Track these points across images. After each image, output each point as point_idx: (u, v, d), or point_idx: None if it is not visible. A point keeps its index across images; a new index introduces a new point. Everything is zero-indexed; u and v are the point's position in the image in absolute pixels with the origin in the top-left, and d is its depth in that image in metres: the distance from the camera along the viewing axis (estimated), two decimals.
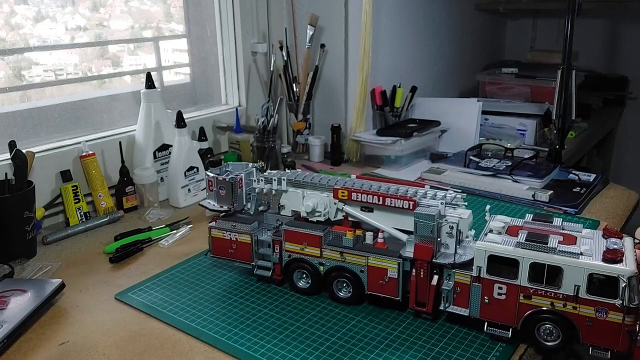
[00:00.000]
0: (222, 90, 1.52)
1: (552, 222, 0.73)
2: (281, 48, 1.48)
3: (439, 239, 0.72)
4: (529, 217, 0.76)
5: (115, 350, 0.70)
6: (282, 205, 0.85)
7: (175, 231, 1.04)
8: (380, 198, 0.76)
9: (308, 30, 1.47)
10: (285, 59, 1.48)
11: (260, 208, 0.87)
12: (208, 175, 0.86)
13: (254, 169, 0.88)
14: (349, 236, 0.77)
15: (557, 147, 1.42)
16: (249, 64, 1.50)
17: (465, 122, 1.55)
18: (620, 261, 0.62)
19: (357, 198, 0.78)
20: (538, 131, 1.65)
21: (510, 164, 1.32)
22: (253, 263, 0.84)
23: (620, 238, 0.67)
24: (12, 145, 0.98)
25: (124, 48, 1.34)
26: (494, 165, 1.33)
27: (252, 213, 0.86)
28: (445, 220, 0.72)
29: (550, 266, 0.64)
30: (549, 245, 0.65)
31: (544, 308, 0.66)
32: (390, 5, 1.59)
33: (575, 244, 0.67)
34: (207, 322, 0.75)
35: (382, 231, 0.77)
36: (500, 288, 0.68)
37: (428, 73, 1.88)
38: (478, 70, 2.09)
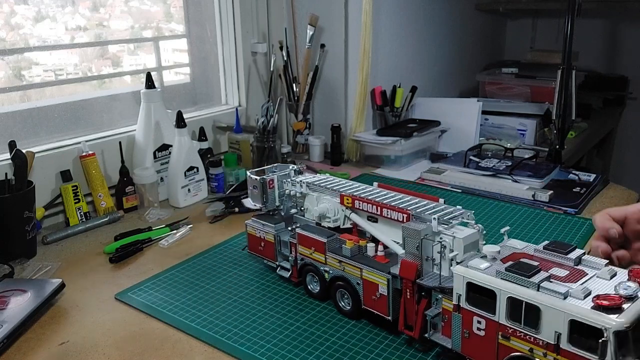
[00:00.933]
0: (222, 90, 1.52)
1: (566, 254, 0.60)
2: (281, 48, 1.48)
3: (427, 258, 0.65)
4: (543, 244, 0.63)
5: (115, 350, 0.70)
6: (306, 208, 0.85)
7: (175, 231, 1.04)
8: (379, 208, 0.73)
9: (308, 30, 1.47)
10: (285, 59, 1.48)
11: (293, 210, 0.87)
12: (248, 174, 0.88)
13: (292, 170, 0.88)
14: (348, 245, 0.75)
15: (557, 147, 1.42)
16: (249, 64, 1.51)
17: (465, 122, 1.55)
18: (616, 310, 0.49)
19: (360, 206, 0.76)
20: (538, 131, 1.65)
21: (510, 164, 1.32)
22: (277, 262, 0.85)
23: None
24: (12, 145, 0.98)
25: (124, 48, 1.34)
26: (494, 165, 1.33)
27: (283, 214, 0.87)
28: (440, 238, 0.64)
29: (528, 304, 0.54)
30: (530, 279, 0.54)
31: (522, 354, 0.56)
32: (390, 5, 1.59)
33: (576, 282, 0.55)
34: (207, 322, 0.75)
35: (382, 243, 0.74)
36: (479, 322, 0.59)
37: (428, 73, 1.88)
38: (478, 70, 2.09)
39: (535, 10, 2.37)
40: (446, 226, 0.66)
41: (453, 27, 1.99)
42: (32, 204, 0.96)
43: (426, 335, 0.65)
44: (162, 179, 1.22)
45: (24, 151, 0.97)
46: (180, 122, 1.17)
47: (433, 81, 1.92)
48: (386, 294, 0.69)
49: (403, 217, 0.70)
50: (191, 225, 1.07)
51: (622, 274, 0.56)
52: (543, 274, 0.55)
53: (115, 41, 1.31)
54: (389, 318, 0.70)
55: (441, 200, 0.73)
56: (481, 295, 0.58)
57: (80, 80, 1.25)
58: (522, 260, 0.59)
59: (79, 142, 1.13)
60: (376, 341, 0.70)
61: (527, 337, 0.55)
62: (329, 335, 0.72)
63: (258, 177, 0.85)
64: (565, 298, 0.52)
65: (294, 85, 1.50)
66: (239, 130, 1.40)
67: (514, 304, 0.55)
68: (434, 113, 1.58)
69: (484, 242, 0.66)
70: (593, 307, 0.50)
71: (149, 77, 1.18)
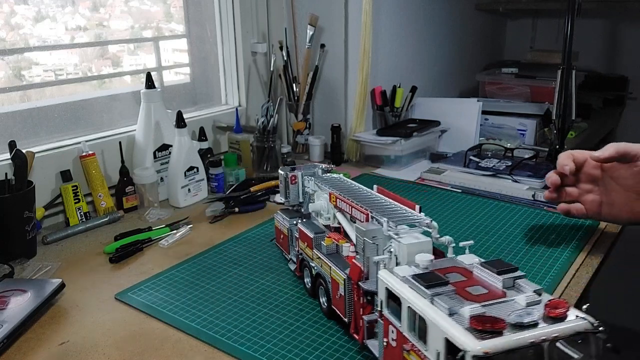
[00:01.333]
0: (222, 90, 1.52)
1: (498, 274, 0.54)
2: (281, 48, 1.48)
3: (373, 261, 0.63)
4: (482, 261, 0.58)
5: (115, 350, 0.70)
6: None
7: (175, 231, 1.04)
8: (350, 207, 0.73)
9: (308, 30, 1.47)
10: (285, 59, 1.48)
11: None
12: (279, 170, 0.90)
13: (319, 168, 0.90)
14: (325, 243, 0.74)
15: (557, 147, 1.42)
16: (249, 64, 1.51)
17: (465, 122, 1.55)
18: (493, 335, 0.44)
19: (340, 205, 0.77)
20: (538, 131, 1.65)
21: (510, 164, 1.32)
22: (289, 256, 0.88)
23: (564, 310, 0.47)
24: (12, 145, 0.98)
25: (124, 48, 1.34)
26: (493, 165, 1.33)
27: (303, 211, 0.89)
28: (390, 243, 0.62)
29: (420, 316, 0.50)
30: (426, 290, 0.51)
31: None
32: (390, 5, 1.59)
33: (482, 302, 0.50)
34: (207, 322, 0.75)
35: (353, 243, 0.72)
36: (392, 331, 0.56)
37: (428, 73, 1.88)
38: (478, 70, 2.09)
39: (535, 10, 2.36)
40: (399, 230, 0.63)
41: (453, 27, 1.99)
42: (32, 204, 0.96)
43: (364, 341, 0.64)
44: (162, 179, 1.22)
45: (24, 151, 0.97)
46: (180, 122, 1.17)
47: (433, 81, 1.92)
48: (344, 295, 0.68)
49: (363, 217, 0.69)
50: (191, 225, 1.07)
51: (542, 303, 0.50)
52: (445, 288, 0.52)
53: (115, 41, 1.31)
54: (346, 319, 0.69)
55: (417, 207, 0.70)
56: (395, 303, 0.55)
57: (80, 80, 1.25)
58: (434, 271, 0.56)
59: (79, 142, 1.13)
60: None
61: (420, 353, 0.51)
62: (329, 335, 0.72)
63: (283, 172, 0.88)
64: (450, 315, 0.48)
65: (294, 85, 1.50)
66: (239, 130, 1.40)
67: (411, 315, 0.52)
68: (434, 113, 1.58)
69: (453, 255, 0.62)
70: (467, 328, 0.46)
71: (149, 77, 1.18)
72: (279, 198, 1.00)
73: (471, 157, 1.38)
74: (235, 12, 1.45)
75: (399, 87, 1.59)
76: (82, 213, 1.09)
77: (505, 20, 2.47)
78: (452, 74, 2.04)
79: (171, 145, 1.21)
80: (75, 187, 1.09)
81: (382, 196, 0.76)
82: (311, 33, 1.47)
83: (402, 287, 0.53)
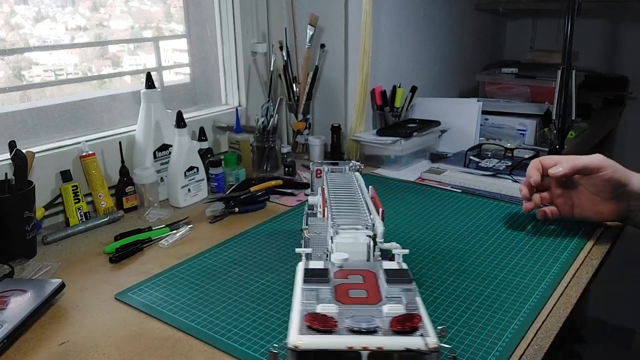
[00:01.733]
0: (222, 90, 1.52)
1: (389, 282, 0.54)
2: (281, 48, 1.48)
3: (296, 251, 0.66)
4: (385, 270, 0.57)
5: (115, 350, 0.70)
6: None
7: (175, 231, 1.04)
8: (322, 202, 0.77)
9: (308, 30, 1.47)
10: (285, 59, 1.48)
11: None
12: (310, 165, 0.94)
13: (347, 166, 0.92)
14: (304, 235, 0.77)
15: (557, 147, 1.42)
16: (249, 64, 1.51)
17: (465, 122, 1.55)
18: (321, 332, 0.45)
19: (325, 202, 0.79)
20: (538, 131, 1.65)
21: (510, 164, 1.32)
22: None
23: (410, 325, 0.46)
24: (12, 145, 0.98)
25: (124, 48, 1.34)
26: (494, 165, 1.33)
27: None
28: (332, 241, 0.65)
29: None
30: (302, 283, 0.54)
31: None
32: (390, 5, 1.59)
33: (351, 305, 0.50)
34: (207, 322, 0.75)
35: None
36: None
37: (428, 73, 1.88)
38: (478, 70, 2.09)
39: (535, 10, 2.36)
40: (339, 229, 0.65)
41: (453, 27, 1.99)
42: (32, 204, 0.96)
43: None
44: (162, 179, 1.22)
45: (24, 151, 0.97)
46: (180, 122, 1.17)
47: (433, 81, 1.92)
48: None
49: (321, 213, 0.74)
50: (191, 225, 1.07)
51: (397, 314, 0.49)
52: (323, 286, 0.53)
53: (115, 41, 1.31)
54: None
55: (380, 210, 0.70)
56: None
57: (80, 80, 1.25)
58: (340, 271, 0.57)
59: (79, 142, 1.13)
60: None
61: None
62: None
63: (312, 166, 0.91)
64: (304, 310, 0.49)
65: (294, 85, 1.50)
66: (239, 130, 1.40)
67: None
68: (434, 113, 1.58)
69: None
70: (302, 324, 0.47)
71: (149, 77, 1.18)
72: (309, 190, 1.03)
73: (471, 157, 1.38)
74: (235, 12, 1.45)
75: (399, 87, 1.59)
76: (82, 213, 1.09)
77: (505, 20, 2.47)
78: (452, 74, 2.04)
79: (171, 145, 1.21)
80: (75, 187, 1.09)
81: (363, 197, 0.78)
82: (311, 33, 1.47)
83: (298, 278, 0.56)
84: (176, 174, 1.17)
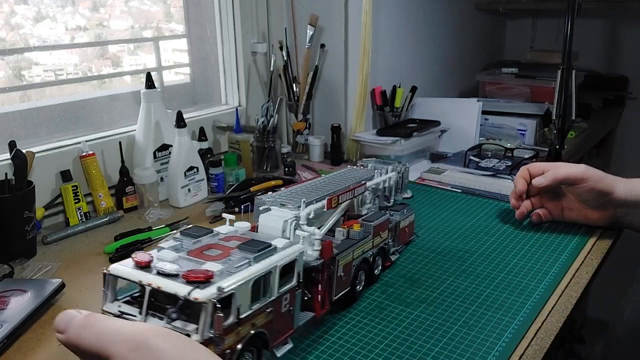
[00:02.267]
0: (222, 90, 1.52)
1: (240, 248, 0.59)
2: (281, 48, 1.48)
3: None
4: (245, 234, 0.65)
5: None
6: None
7: (175, 231, 1.04)
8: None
9: (308, 30, 1.47)
10: (285, 59, 1.48)
11: None
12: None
13: (391, 165, 0.95)
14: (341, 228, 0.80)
15: (557, 147, 1.42)
16: (249, 64, 1.51)
17: (465, 122, 1.55)
18: (142, 269, 0.53)
19: None
20: (538, 131, 1.65)
21: (510, 164, 1.33)
22: None
23: (194, 277, 0.51)
24: (12, 145, 0.98)
25: (124, 48, 1.35)
26: (493, 165, 1.33)
27: None
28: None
29: None
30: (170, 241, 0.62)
31: None
32: (390, 5, 1.59)
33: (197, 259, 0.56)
34: None
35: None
36: None
37: (428, 73, 1.88)
38: (478, 70, 2.09)
39: (535, 10, 2.36)
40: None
41: (453, 27, 1.99)
42: (32, 204, 0.96)
43: None
44: (162, 179, 1.22)
45: (24, 151, 0.97)
46: (180, 122, 1.17)
47: (433, 81, 1.92)
48: None
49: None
50: (191, 225, 1.07)
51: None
52: (186, 238, 0.62)
53: (115, 41, 1.31)
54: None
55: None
56: None
57: (80, 80, 1.25)
58: (207, 230, 0.65)
59: (79, 142, 1.13)
60: (376, 341, 0.70)
61: None
62: (329, 335, 0.72)
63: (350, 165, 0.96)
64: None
65: (294, 85, 1.50)
66: (239, 130, 1.40)
67: None
68: (434, 113, 1.58)
69: None
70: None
71: (149, 77, 1.18)
72: None
73: (471, 157, 1.38)
74: (235, 12, 1.45)
75: (399, 87, 1.59)
76: (82, 213, 1.09)
77: (505, 20, 2.47)
78: (452, 74, 2.04)
79: (171, 145, 1.21)
80: (75, 187, 1.09)
81: (345, 195, 0.80)
82: (311, 33, 1.47)
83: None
84: (176, 174, 1.17)
